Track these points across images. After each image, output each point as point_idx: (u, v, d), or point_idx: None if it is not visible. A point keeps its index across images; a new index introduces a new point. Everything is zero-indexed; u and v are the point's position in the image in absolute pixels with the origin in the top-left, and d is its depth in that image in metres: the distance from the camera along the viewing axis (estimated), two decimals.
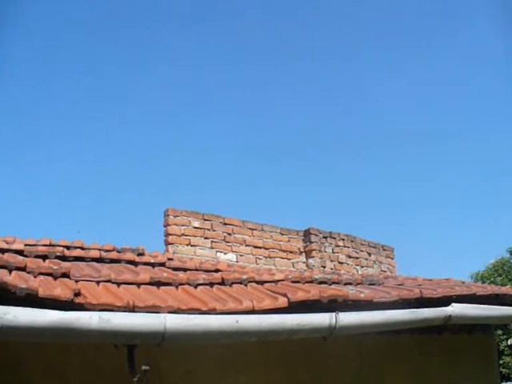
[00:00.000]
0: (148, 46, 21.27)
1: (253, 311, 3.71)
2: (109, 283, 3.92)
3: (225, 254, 8.73)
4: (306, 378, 4.92)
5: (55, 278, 3.78)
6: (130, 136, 23.01)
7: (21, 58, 17.84)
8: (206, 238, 8.65)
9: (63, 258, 4.75)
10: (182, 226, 8.47)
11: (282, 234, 9.64)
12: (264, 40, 22.15)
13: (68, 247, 5.32)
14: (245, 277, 4.58)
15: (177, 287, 4.13)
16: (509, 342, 16.94)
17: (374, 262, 10.80)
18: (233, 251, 8.85)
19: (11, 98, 19.19)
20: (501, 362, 17.05)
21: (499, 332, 15.10)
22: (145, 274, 4.22)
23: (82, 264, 4.67)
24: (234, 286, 4.43)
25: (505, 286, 13.75)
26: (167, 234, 8.34)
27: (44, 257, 4.66)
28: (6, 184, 23.88)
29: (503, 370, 17.83)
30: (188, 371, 4.33)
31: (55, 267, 3.90)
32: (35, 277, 3.69)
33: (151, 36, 21.83)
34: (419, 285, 5.37)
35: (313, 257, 9.64)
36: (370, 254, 10.78)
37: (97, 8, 19.07)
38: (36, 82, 21.23)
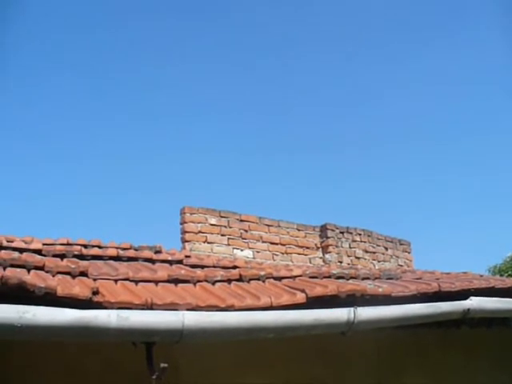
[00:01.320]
0: (149, 47, 21.22)
1: (271, 307, 3.70)
2: (127, 281, 3.93)
3: (241, 250, 8.75)
4: (325, 373, 4.91)
5: (73, 276, 3.79)
6: (132, 136, 22.95)
7: (21, 58, 17.89)
8: (222, 235, 8.67)
9: (81, 257, 4.77)
10: (199, 223, 8.50)
11: (299, 230, 9.65)
12: (264, 40, 22.03)
13: (85, 246, 5.36)
14: (262, 273, 4.57)
15: (195, 284, 4.12)
16: None
17: (391, 256, 10.78)
18: (249, 248, 8.87)
19: (11, 98, 19.24)
20: None
21: None
22: (162, 272, 4.23)
23: (99, 262, 4.69)
24: (251, 282, 4.42)
25: None
26: (184, 232, 8.37)
27: (62, 256, 4.69)
28: (23, 184, 24.03)
29: None
30: (206, 368, 4.33)
31: (73, 266, 3.91)
32: (53, 276, 3.71)
33: (152, 36, 21.79)
34: (437, 279, 5.33)
35: (329, 252, 9.64)
36: (386, 249, 10.76)
37: (96, 8, 19.07)
38: (36, 82, 21.28)
